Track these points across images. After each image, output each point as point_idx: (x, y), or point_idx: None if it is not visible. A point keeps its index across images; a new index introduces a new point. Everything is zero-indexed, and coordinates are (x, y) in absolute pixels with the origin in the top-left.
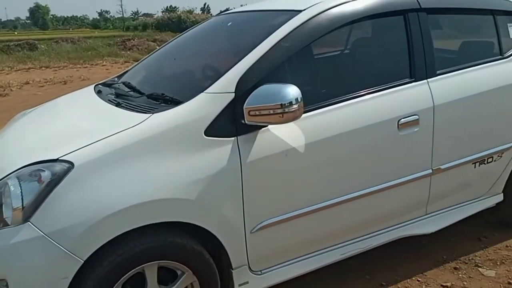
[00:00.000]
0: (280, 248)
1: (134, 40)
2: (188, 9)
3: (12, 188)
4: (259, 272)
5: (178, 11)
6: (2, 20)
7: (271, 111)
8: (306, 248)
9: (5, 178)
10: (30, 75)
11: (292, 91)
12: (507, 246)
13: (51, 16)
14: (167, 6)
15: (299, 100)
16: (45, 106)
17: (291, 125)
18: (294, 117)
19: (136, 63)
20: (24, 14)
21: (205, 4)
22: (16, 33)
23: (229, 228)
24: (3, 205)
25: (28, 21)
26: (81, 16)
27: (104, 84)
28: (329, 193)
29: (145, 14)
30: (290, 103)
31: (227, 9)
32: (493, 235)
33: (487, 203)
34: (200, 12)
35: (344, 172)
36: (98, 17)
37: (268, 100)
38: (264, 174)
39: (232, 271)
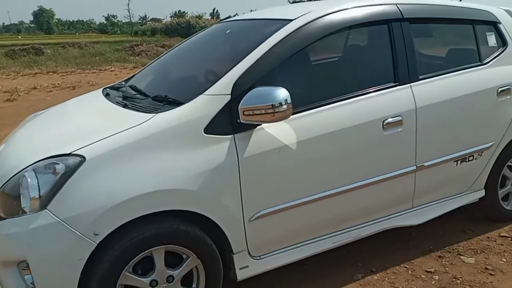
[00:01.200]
0: (277, 236)
1: (142, 45)
2: (197, 14)
3: (29, 179)
4: (258, 257)
5: (187, 16)
6: (5, 24)
7: (263, 111)
8: (301, 236)
9: (23, 171)
10: (37, 80)
11: (282, 93)
12: (488, 237)
13: (56, 20)
14: (176, 11)
15: (288, 101)
16: (56, 108)
17: (284, 124)
18: (284, 116)
19: (142, 68)
20: (27, 18)
21: (214, 9)
22: (19, 37)
23: (229, 217)
24: (21, 196)
25: (32, 25)
26: (87, 21)
27: (111, 88)
28: (320, 186)
29: (153, 19)
30: (280, 104)
31: (227, 17)
32: (477, 228)
33: (469, 198)
34: (209, 17)
35: (333, 168)
36: (105, 22)
37: (261, 101)
38: (259, 168)
39: (233, 256)
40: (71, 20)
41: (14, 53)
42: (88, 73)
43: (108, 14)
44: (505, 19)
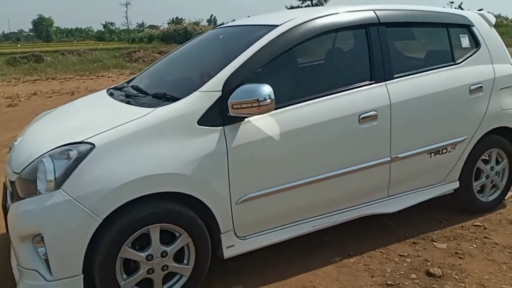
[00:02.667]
0: (260, 218)
1: (140, 52)
2: (194, 21)
3: (46, 164)
4: (243, 238)
5: (184, 23)
6: (5, 32)
7: (250, 105)
8: (283, 219)
9: (40, 157)
10: (37, 86)
11: (266, 89)
12: (462, 226)
13: (55, 28)
14: (173, 18)
15: (272, 96)
16: (64, 106)
17: (268, 118)
18: (268, 109)
19: (142, 70)
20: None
21: (211, 16)
22: (19, 45)
23: (218, 199)
24: (37, 179)
25: (31, 34)
26: (85, 28)
27: (115, 88)
28: (300, 174)
29: (150, 26)
30: (265, 99)
31: (221, 24)
32: (453, 218)
33: (444, 189)
34: (206, 24)
35: (313, 157)
36: (102, 29)
37: (247, 96)
38: (246, 156)
39: (221, 235)
40: (70, 28)
41: (15, 60)
42: (86, 79)
43: (106, 22)
44: (478, 22)
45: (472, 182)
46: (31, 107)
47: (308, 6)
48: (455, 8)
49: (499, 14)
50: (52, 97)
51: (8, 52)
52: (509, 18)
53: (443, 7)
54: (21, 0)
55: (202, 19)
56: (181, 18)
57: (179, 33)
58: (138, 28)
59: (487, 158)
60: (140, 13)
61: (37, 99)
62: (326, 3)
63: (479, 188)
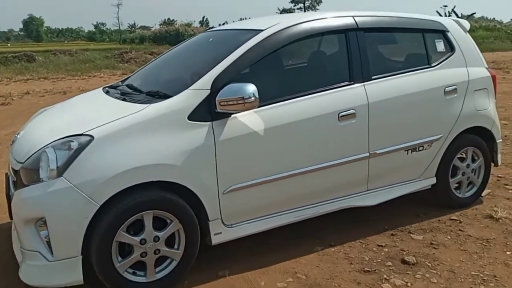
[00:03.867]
0: (246, 208)
1: (131, 52)
2: (186, 22)
3: (49, 154)
4: (230, 226)
5: (176, 24)
6: None
7: (235, 102)
8: (266, 210)
9: (43, 148)
10: (29, 85)
11: (251, 88)
12: (439, 220)
13: (46, 28)
14: (165, 19)
15: (256, 94)
16: (62, 103)
17: (253, 114)
18: (252, 106)
19: (136, 71)
20: (17, 26)
21: (203, 18)
22: (9, 44)
23: (206, 189)
24: (40, 169)
25: (22, 33)
26: (76, 28)
27: (110, 87)
28: (283, 167)
29: (142, 27)
30: (249, 96)
31: (211, 27)
32: (431, 212)
33: (422, 184)
34: (198, 25)
35: (295, 152)
36: (94, 30)
37: (233, 94)
38: (232, 150)
39: (209, 222)
40: (60, 28)
41: (6, 60)
42: (78, 79)
43: (97, 22)
44: (453, 28)
45: (449, 179)
46: (24, 106)
47: (300, 9)
48: (448, 11)
49: (494, 18)
50: (44, 96)
51: None
52: (504, 23)
53: (436, 11)
54: None
55: (194, 21)
56: (173, 20)
57: (170, 34)
58: (129, 29)
59: (464, 156)
60: (132, 14)
61: (29, 98)
62: (318, 6)
63: (456, 184)
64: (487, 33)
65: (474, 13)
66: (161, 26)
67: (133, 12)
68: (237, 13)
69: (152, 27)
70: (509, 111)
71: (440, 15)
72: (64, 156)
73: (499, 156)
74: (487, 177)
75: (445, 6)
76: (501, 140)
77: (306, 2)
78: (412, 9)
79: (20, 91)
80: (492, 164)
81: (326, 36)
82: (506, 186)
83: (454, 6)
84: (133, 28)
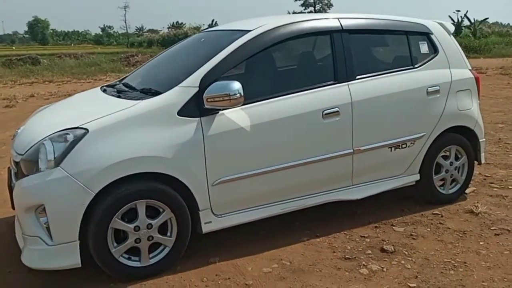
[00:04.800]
0: (234, 199)
1: (137, 56)
2: (195, 26)
3: (47, 147)
4: (220, 215)
5: (184, 28)
6: None
7: (221, 98)
8: (254, 201)
9: (41, 140)
10: (34, 88)
11: (236, 85)
12: (422, 214)
13: (51, 31)
14: (173, 22)
15: (241, 91)
16: (62, 101)
17: (240, 111)
18: (237, 102)
19: (133, 71)
20: (22, 28)
21: (213, 21)
22: (14, 47)
23: (196, 181)
24: (39, 160)
25: (27, 36)
26: (82, 31)
27: (108, 86)
28: (269, 161)
29: (150, 30)
30: (234, 93)
31: (205, 29)
32: (415, 207)
33: (405, 180)
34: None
35: (281, 147)
36: (100, 33)
37: (220, 91)
38: (220, 144)
39: (199, 212)
40: (66, 31)
41: (11, 62)
42: (83, 82)
43: (104, 25)
44: (437, 31)
45: (432, 176)
46: (28, 108)
47: (311, 12)
48: (461, 16)
49: (508, 24)
50: (49, 99)
51: (3, 54)
52: None
53: (449, 15)
54: (15, 1)
55: (204, 24)
56: (182, 23)
57: (179, 38)
58: (137, 32)
59: (448, 154)
60: (139, 17)
61: (34, 101)
62: (329, 9)
63: (440, 181)
64: (499, 39)
65: (487, 18)
66: (170, 29)
67: (141, 15)
68: (246, 16)
69: (161, 30)
70: (508, 115)
71: (453, 20)
72: (60, 148)
73: (482, 155)
74: (470, 175)
75: (458, 10)
76: (484, 139)
77: (316, 6)
78: (425, 14)
79: (25, 94)
80: (476, 163)
81: (312, 37)
82: (491, 185)
83: (467, 11)
84: (141, 32)
